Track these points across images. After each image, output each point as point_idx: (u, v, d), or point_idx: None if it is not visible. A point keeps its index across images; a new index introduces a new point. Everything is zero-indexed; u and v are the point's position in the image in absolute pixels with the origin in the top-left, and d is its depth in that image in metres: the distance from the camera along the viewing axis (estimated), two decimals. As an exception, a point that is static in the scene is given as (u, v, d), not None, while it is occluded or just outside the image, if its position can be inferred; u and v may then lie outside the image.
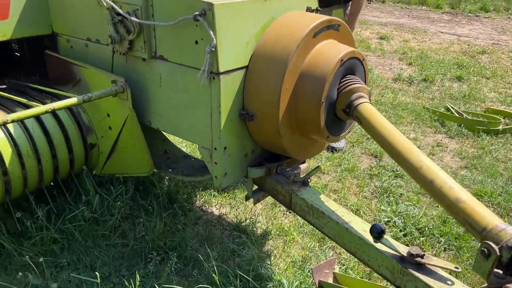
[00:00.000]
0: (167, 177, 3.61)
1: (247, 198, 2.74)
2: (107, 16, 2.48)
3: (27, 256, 2.59)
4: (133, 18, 2.36)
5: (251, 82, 2.32)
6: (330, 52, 2.27)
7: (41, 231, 2.75)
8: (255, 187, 2.70)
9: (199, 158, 3.38)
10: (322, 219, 2.27)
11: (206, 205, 3.45)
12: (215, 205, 3.46)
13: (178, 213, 3.20)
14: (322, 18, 2.31)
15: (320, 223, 2.30)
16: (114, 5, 2.41)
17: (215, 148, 2.39)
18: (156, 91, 2.58)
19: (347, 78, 2.30)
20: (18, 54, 3.59)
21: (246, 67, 2.33)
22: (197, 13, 2.10)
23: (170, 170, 3.08)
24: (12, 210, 2.75)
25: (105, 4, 2.46)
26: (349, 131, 2.56)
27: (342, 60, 2.24)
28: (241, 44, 2.27)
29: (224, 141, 2.37)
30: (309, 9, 2.62)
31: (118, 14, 2.44)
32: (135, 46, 2.50)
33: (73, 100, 2.37)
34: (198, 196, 3.54)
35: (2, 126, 2.59)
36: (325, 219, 2.26)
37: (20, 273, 2.47)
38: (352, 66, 2.35)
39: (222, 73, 2.21)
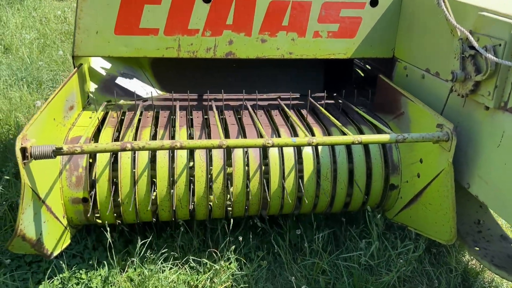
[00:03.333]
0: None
1: None
2: (457, 47, 2.03)
3: (292, 277, 2.53)
4: (490, 56, 1.82)
5: None
6: None
7: (315, 257, 2.64)
8: None
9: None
10: None
11: (512, 311, 2.56)
12: (526, 317, 2.52)
13: (469, 306, 2.48)
14: None
15: None
16: (470, 36, 1.93)
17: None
18: (490, 150, 1.97)
19: None
20: (360, 73, 3.59)
21: None
22: None
23: (476, 248, 2.40)
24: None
25: (458, 34, 2.02)
26: None
27: None
28: None
29: None
30: None
31: (471, 47, 1.95)
32: (480, 89, 1.96)
33: (384, 138, 2.07)
34: (505, 292, 2.67)
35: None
36: None
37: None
38: None
39: None
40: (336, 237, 2.83)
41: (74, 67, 2.71)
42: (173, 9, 2.57)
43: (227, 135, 2.61)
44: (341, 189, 2.56)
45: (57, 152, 1.84)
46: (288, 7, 2.66)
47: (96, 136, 2.54)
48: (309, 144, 2.02)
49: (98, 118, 2.65)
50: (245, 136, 2.59)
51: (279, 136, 2.60)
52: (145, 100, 3.06)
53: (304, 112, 2.90)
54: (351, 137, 2.04)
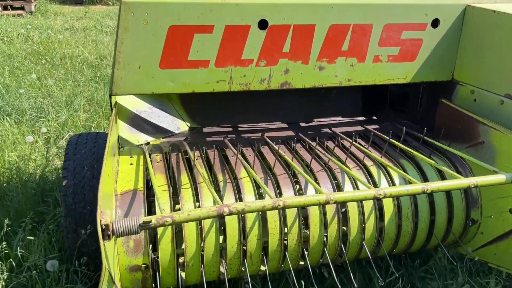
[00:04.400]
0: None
1: None
2: None
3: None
4: None
5: None
6: None
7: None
8: None
9: None
10: None
11: None
12: None
13: None
14: None
15: None
16: None
17: None
18: None
19: None
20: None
21: None
22: None
23: None
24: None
25: None
26: None
27: None
28: None
29: None
30: None
31: None
32: None
33: (500, 179, 1.85)
34: None
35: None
36: None
37: None
38: None
39: None
40: (401, 278, 2.60)
41: (111, 108, 2.34)
42: (226, 37, 2.26)
43: (295, 179, 2.32)
44: (422, 229, 2.34)
45: (145, 226, 1.49)
46: (348, 30, 2.42)
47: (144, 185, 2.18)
48: (423, 192, 1.77)
49: (134, 163, 2.29)
50: (316, 181, 2.30)
51: (352, 178, 2.34)
52: (186, 138, 2.72)
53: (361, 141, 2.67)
54: (466, 180, 1.81)
